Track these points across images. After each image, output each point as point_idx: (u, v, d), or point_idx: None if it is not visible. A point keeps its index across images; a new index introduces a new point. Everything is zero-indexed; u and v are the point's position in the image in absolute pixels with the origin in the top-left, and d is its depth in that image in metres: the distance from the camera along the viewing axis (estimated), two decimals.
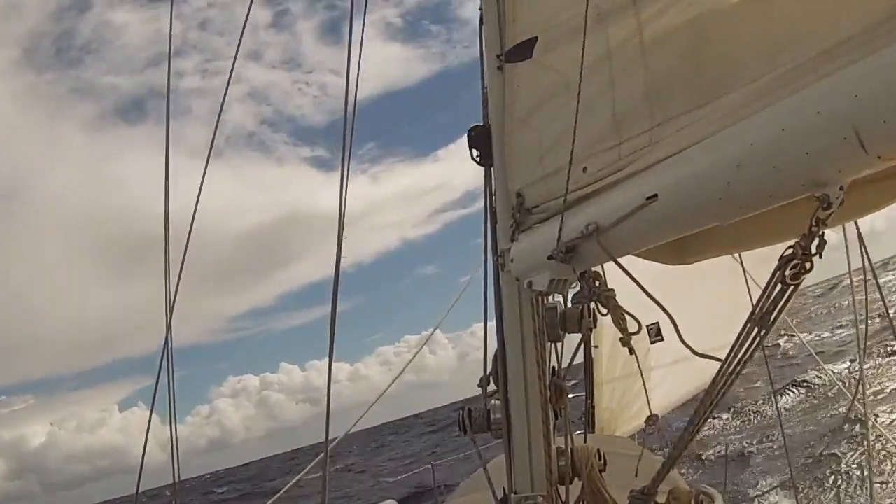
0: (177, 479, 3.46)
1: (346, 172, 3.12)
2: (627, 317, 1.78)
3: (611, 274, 1.93)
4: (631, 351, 1.73)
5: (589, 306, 2.23)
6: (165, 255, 3.53)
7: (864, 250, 3.68)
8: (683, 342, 1.62)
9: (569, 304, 2.25)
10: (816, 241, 1.26)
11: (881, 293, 3.89)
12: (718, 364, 1.55)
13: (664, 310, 1.65)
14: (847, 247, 3.95)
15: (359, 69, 3.23)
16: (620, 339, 1.75)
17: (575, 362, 2.41)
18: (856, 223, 3.41)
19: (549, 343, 2.36)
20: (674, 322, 1.63)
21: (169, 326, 3.44)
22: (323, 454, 3.20)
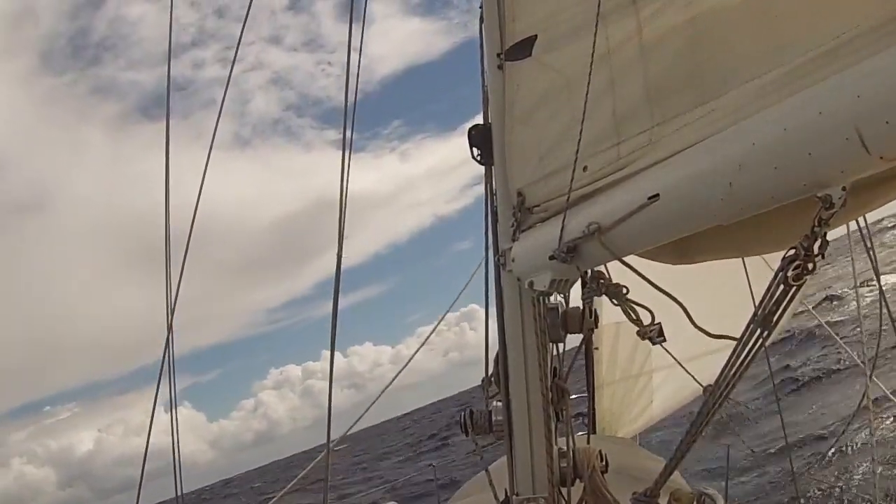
0: (180, 493, 3.46)
1: (345, 177, 3.12)
2: (639, 309, 1.77)
3: (612, 275, 1.92)
4: (653, 342, 1.71)
5: (591, 306, 2.22)
6: (167, 261, 3.52)
7: (870, 248, 3.68)
8: (697, 326, 1.60)
9: (575, 304, 2.24)
10: (819, 241, 1.25)
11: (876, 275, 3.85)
12: (721, 366, 1.54)
13: (674, 299, 1.63)
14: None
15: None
16: (637, 332, 1.74)
17: (576, 363, 2.40)
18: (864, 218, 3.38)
19: (550, 344, 2.36)
20: (685, 310, 1.61)
21: (170, 328, 3.44)
22: (324, 454, 3.20)
